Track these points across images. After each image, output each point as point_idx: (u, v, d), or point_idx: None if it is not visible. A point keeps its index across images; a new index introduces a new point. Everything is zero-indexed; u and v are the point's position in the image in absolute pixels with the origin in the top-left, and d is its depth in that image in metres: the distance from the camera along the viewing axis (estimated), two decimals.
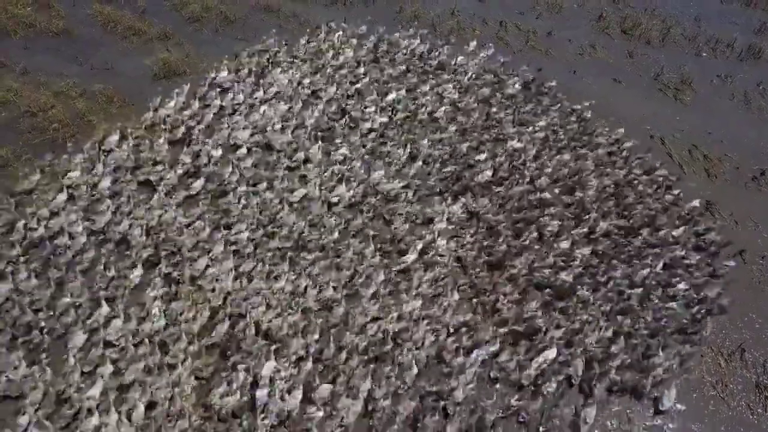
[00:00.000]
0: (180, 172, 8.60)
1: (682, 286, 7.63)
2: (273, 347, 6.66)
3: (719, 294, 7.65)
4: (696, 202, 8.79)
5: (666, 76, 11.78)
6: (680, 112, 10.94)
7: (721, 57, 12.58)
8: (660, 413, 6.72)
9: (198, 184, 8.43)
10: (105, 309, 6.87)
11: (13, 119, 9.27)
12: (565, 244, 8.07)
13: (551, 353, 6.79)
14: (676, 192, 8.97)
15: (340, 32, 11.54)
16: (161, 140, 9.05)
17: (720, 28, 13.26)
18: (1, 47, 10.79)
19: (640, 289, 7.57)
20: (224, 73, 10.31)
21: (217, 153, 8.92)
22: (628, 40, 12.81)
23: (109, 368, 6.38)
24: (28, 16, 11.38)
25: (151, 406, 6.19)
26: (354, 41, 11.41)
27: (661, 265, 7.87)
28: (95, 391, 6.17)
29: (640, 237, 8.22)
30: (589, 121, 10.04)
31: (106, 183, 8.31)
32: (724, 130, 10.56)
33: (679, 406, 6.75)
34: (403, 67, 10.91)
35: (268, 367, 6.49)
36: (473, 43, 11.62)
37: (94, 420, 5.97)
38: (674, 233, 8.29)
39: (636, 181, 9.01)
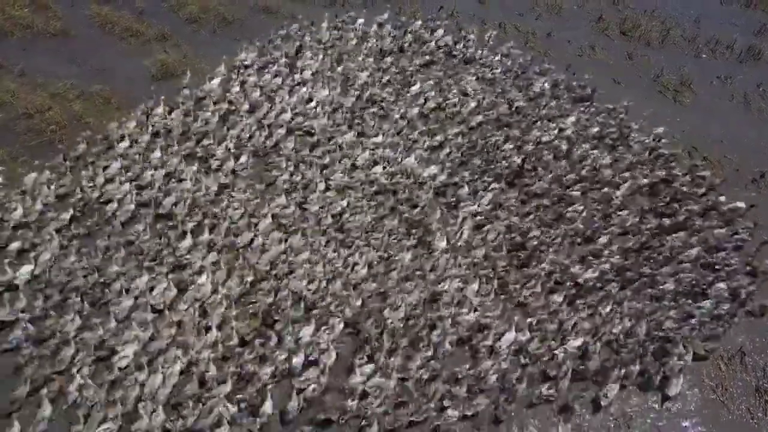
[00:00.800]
0: (231, 145, 9.02)
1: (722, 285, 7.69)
2: (313, 312, 7.01)
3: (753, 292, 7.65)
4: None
5: (666, 77, 11.75)
6: (680, 113, 10.91)
7: (720, 58, 12.54)
8: (668, 399, 6.78)
9: (242, 159, 8.87)
10: (147, 276, 7.21)
11: (10, 121, 9.23)
12: None
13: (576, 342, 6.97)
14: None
15: (362, 20, 11.80)
16: (208, 113, 9.51)
17: (720, 29, 13.21)
18: None
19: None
20: (253, 54, 10.71)
21: (259, 131, 9.31)
22: (627, 42, 12.77)
23: (149, 332, 6.69)
24: (26, 17, 11.33)
25: (189, 366, 6.47)
26: (374, 28, 11.70)
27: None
28: (130, 351, 6.48)
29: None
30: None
31: (156, 153, 8.77)
32: (724, 132, 10.52)
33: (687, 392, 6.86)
34: (428, 58, 11.20)
35: (306, 332, 6.80)
36: (493, 33, 11.81)
37: (138, 378, 6.28)
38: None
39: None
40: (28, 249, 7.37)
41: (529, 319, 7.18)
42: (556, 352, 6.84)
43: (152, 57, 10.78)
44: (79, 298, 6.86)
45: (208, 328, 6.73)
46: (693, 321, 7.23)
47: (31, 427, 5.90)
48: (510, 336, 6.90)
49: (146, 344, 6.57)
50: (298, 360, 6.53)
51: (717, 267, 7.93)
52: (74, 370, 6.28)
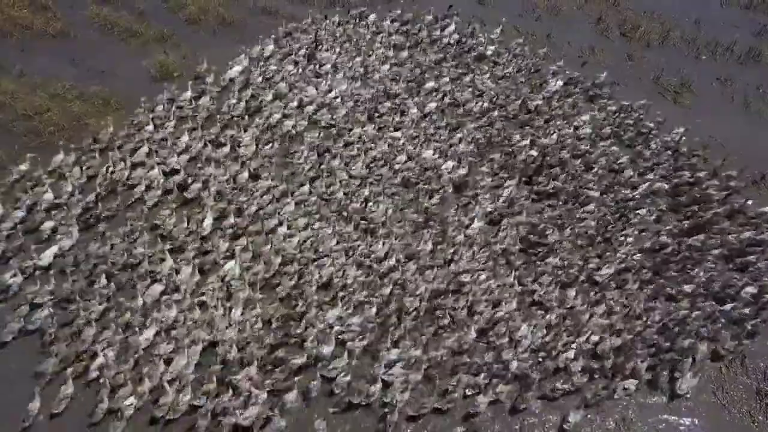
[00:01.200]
0: (256, 133, 9.24)
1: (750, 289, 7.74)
2: (340, 295, 7.13)
3: None
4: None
5: (666, 78, 11.76)
6: (680, 115, 10.85)
7: (720, 60, 12.55)
8: (676, 397, 6.82)
9: (267, 147, 9.08)
10: (171, 261, 7.34)
11: (8, 122, 9.18)
12: None
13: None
14: None
15: (374, 15, 11.99)
16: (233, 101, 9.76)
17: (719, 30, 13.22)
18: None
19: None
20: (271, 47, 10.94)
21: (283, 120, 9.53)
22: (627, 43, 12.77)
23: (173, 312, 6.80)
24: (25, 18, 11.29)
25: (212, 346, 6.59)
26: (387, 23, 11.88)
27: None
28: (151, 333, 6.60)
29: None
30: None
31: (183, 138, 8.95)
32: (725, 133, 10.52)
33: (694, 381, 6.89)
34: (441, 55, 11.39)
35: (331, 315, 6.94)
36: (497, 32, 11.95)
37: (162, 356, 6.42)
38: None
39: None
40: (57, 230, 7.59)
41: (547, 315, 7.27)
42: (573, 346, 6.91)
43: (152, 58, 10.75)
44: (105, 280, 7.01)
45: (231, 309, 6.88)
46: (719, 321, 7.33)
47: (54, 405, 6.03)
48: (524, 329, 7.00)
49: (171, 325, 6.70)
50: (326, 346, 6.63)
51: (743, 269, 8.05)
52: (99, 349, 6.39)
